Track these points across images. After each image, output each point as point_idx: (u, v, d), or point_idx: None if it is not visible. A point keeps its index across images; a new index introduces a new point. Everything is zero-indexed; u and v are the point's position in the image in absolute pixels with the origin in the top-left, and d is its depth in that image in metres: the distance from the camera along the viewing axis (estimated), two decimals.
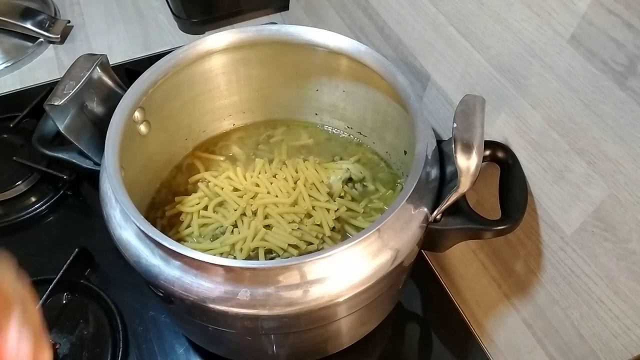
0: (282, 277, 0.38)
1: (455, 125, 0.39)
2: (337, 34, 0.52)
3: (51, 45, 0.87)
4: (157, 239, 0.38)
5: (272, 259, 0.51)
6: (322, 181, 0.57)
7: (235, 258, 0.51)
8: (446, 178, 0.44)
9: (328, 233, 0.53)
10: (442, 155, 0.46)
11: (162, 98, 0.52)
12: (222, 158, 0.60)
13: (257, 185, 0.56)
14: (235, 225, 0.54)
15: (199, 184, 0.57)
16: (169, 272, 0.39)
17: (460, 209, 0.43)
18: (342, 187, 0.57)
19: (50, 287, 0.56)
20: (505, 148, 0.45)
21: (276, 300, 0.38)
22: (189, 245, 0.52)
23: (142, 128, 0.52)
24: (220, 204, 0.56)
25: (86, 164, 0.49)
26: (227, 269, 0.38)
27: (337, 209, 0.54)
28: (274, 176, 0.57)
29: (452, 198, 0.40)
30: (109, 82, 0.51)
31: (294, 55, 0.55)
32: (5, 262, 0.27)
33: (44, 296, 0.55)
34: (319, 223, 0.53)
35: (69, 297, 0.58)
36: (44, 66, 0.84)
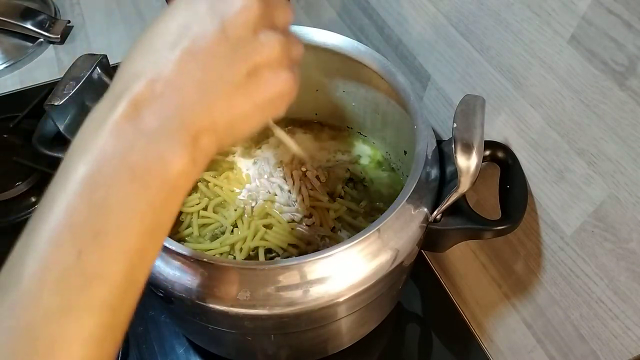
0: (282, 277, 0.38)
1: (455, 125, 0.39)
2: (337, 34, 0.52)
3: (51, 45, 0.87)
4: None
5: (272, 258, 0.51)
6: (322, 181, 0.57)
7: (235, 258, 0.51)
8: (446, 178, 0.44)
9: (328, 233, 0.53)
10: (442, 155, 0.46)
11: None
12: (222, 158, 0.60)
13: (257, 185, 0.56)
14: (235, 225, 0.54)
15: (198, 184, 0.57)
16: (169, 272, 0.39)
17: (460, 209, 0.43)
18: (342, 187, 0.57)
19: None
20: (505, 148, 0.45)
21: (276, 300, 0.38)
22: (189, 245, 0.52)
23: None
24: (220, 204, 0.56)
25: None
26: (227, 269, 0.38)
27: (337, 209, 0.54)
28: (274, 176, 0.57)
29: (452, 198, 0.40)
30: (109, 82, 0.51)
31: None
32: None
33: None
34: (319, 223, 0.53)
35: None
36: (44, 66, 0.84)
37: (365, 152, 0.62)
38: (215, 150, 0.27)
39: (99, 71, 0.50)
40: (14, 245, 0.24)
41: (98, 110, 0.26)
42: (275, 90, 0.29)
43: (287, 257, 0.51)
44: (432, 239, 0.44)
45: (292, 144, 0.45)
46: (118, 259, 0.24)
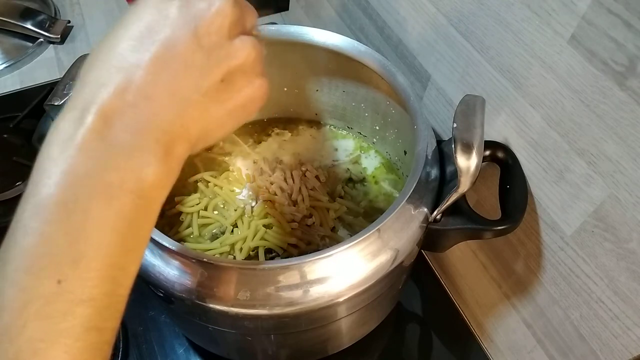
0: (282, 277, 0.38)
1: (455, 125, 0.39)
2: (337, 34, 0.52)
3: (51, 45, 0.87)
4: (157, 239, 0.38)
5: (272, 258, 0.51)
6: (322, 181, 0.57)
7: (235, 258, 0.51)
8: (446, 178, 0.44)
9: (328, 233, 0.53)
10: (442, 155, 0.46)
11: None
12: (222, 157, 0.60)
13: (257, 184, 0.56)
14: (235, 225, 0.54)
15: (198, 184, 0.57)
16: (169, 272, 0.39)
17: (460, 209, 0.43)
18: (342, 187, 0.57)
19: None
20: (505, 148, 0.45)
21: (276, 300, 0.38)
22: (189, 245, 0.52)
23: None
24: (221, 204, 0.56)
25: None
26: (227, 269, 0.38)
27: (337, 209, 0.54)
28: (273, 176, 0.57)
29: (452, 198, 0.40)
30: None
31: (294, 55, 0.55)
32: None
33: None
34: (319, 223, 0.53)
35: None
36: (44, 66, 0.84)
37: (371, 155, 0.62)
38: (187, 155, 0.27)
39: None
40: None
41: (63, 124, 0.24)
42: (249, 95, 0.28)
43: (287, 257, 0.51)
44: (432, 239, 0.44)
45: (248, 150, 0.48)
46: (99, 281, 0.24)
